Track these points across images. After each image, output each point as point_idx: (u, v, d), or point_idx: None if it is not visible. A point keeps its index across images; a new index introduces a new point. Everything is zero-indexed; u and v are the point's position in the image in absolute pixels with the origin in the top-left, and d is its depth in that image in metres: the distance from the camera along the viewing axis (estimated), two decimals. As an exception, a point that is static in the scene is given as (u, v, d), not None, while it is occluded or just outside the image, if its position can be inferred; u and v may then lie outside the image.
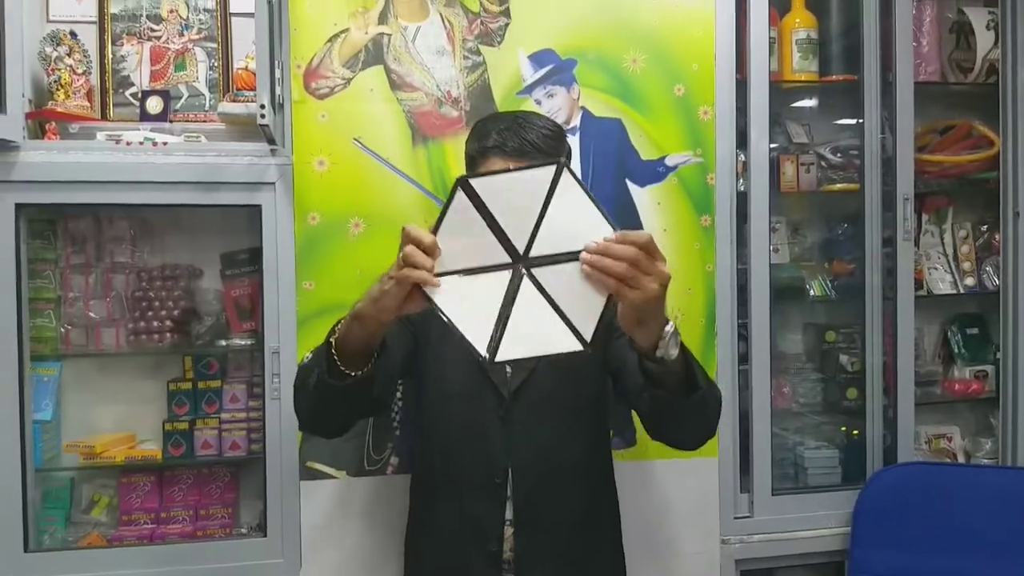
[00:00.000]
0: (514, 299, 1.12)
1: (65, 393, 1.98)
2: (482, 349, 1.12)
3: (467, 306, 1.12)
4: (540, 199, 1.09)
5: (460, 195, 1.11)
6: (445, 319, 1.12)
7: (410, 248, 1.12)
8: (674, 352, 1.20)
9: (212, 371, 2.01)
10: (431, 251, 1.12)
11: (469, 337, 1.12)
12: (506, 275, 1.12)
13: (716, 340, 2.00)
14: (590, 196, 1.10)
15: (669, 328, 1.19)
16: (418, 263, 1.11)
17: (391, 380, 1.46)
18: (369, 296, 1.20)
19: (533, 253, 1.11)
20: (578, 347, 1.12)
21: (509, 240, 1.11)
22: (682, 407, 1.27)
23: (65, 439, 1.96)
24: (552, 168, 1.10)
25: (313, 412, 1.42)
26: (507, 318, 1.12)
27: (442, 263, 1.13)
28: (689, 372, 1.24)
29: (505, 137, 1.46)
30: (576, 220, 1.10)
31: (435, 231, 1.13)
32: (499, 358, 1.13)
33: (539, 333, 1.12)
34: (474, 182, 1.11)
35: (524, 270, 1.12)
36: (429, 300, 1.13)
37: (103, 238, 1.99)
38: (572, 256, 1.10)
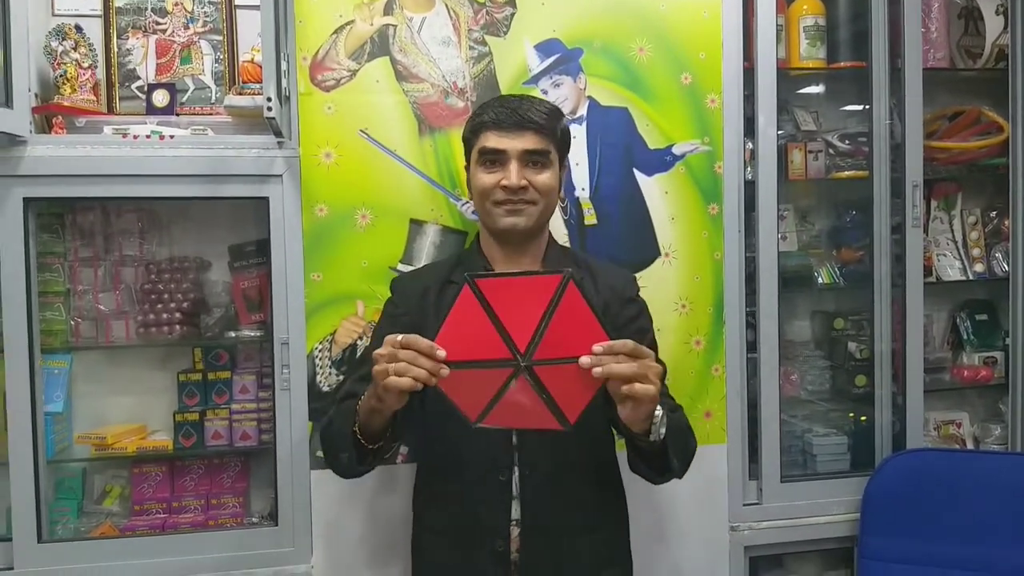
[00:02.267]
0: (507, 387, 1.20)
1: (76, 385, 2.00)
2: (472, 416, 1.23)
3: (464, 389, 1.22)
4: (544, 304, 1.16)
5: (466, 293, 1.17)
6: (439, 391, 1.21)
7: (411, 354, 1.19)
8: (663, 432, 1.32)
9: (222, 362, 2.02)
10: (432, 355, 1.19)
11: (462, 408, 1.23)
12: (506, 372, 1.19)
13: (724, 328, 2.00)
14: (592, 306, 1.18)
15: (658, 413, 1.30)
16: (423, 366, 1.19)
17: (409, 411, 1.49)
18: (376, 398, 1.29)
19: (536, 357, 1.18)
20: (559, 428, 1.22)
21: (511, 340, 1.18)
22: (656, 478, 1.46)
23: (76, 430, 1.97)
24: (558, 277, 1.16)
25: (351, 475, 1.52)
26: (498, 400, 1.21)
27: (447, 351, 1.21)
28: (665, 456, 1.36)
29: (498, 112, 1.49)
30: (576, 329, 1.18)
31: (442, 321, 1.20)
32: (483, 424, 1.23)
33: (524, 412, 1.22)
34: (481, 283, 1.17)
35: (524, 369, 1.19)
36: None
37: (111, 231, 2.00)
38: (571, 360, 1.18)
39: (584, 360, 1.17)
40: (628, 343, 1.20)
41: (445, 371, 1.18)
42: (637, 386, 1.20)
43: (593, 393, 1.20)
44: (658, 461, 1.38)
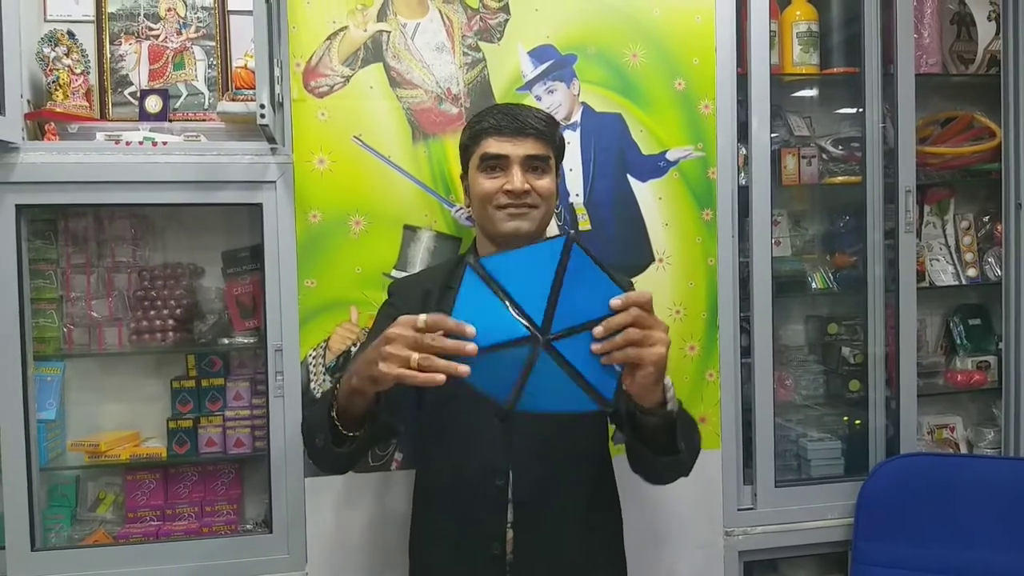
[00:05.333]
0: (532, 369, 1.11)
1: (69, 392, 1.99)
2: (502, 399, 1.12)
3: (486, 371, 1.10)
4: (551, 272, 1.09)
5: (472, 276, 1.10)
6: (468, 384, 1.10)
7: (432, 337, 1.09)
8: (677, 401, 1.28)
9: (215, 369, 2.02)
10: (459, 333, 1.09)
11: (489, 392, 1.11)
12: (526, 350, 1.10)
13: (718, 333, 2.00)
14: (599, 264, 1.12)
15: (667, 381, 1.24)
16: (448, 348, 1.08)
17: (402, 407, 1.44)
18: (370, 378, 1.18)
19: (553, 330, 1.10)
20: (596, 407, 1.13)
21: (525, 312, 1.10)
22: (659, 466, 1.37)
23: (70, 438, 1.96)
24: (561, 241, 1.10)
25: (329, 467, 1.47)
26: (526, 379, 1.11)
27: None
28: (672, 435, 1.30)
29: (498, 119, 1.50)
30: (590, 291, 1.11)
31: (451, 311, 1.11)
32: (518, 408, 1.12)
33: (557, 394, 1.13)
34: (484, 262, 1.11)
35: (544, 345, 1.11)
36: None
37: (104, 237, 1.99)
38: (589, 325, 1.11)
39: (597, 331, 1.10)
40: (646, 294, 1.14)
41: (472, 347, 1.07)
42: (644, 352, 1.12)
43: (623, 361, 1.13)
44: (665, 446, 1.31)
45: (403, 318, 1.12)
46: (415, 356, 1.09)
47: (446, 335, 1.09)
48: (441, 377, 1.07)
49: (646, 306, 1.13)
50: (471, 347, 1.07)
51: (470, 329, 1.08)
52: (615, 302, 1.11)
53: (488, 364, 1.09)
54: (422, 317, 1.10)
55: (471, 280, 1.10)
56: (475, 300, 1.10)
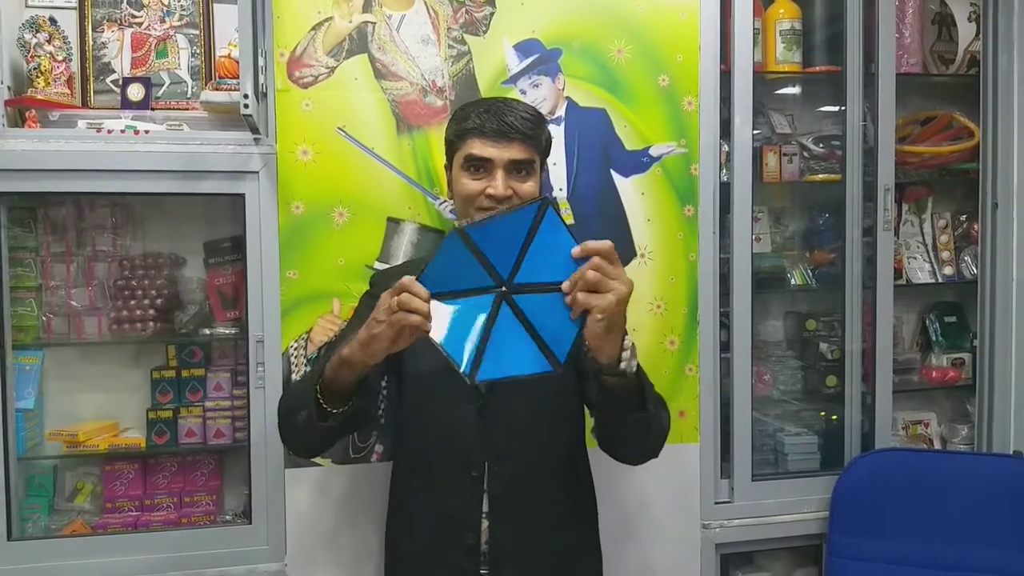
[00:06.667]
0: (495, 322, 1.20)
1: (47, 382, 1.98)
2: (465, 368, 1.20)
3: (453, 330, 1.20)
4: (524, 232, 1.17)
5: (455, 238, 1.18)
6: (434, 343, 1.19)
7: (406, 296, 1.18)
8: (635, 364, 1.27)
9: (196, 359, 2.01)
10: (424, 300, 1.18)
11: (454, 357, 1.19)
12: (489, 299, 1.20)
13: (699, 328, 2.02)
14: (570, 231, 1.18)
15: (628, 342, 1.26)
16: (415, 308, 1.18)
17: (375, 394, 1.46)
18: (358, 341, 1.25)
19: (517, 281, 1.19)
20: (550, 369, 1.20)
21: (495, 269, 1.19)
22: (628, 427, 1.36)
23: (48, 427, 1.95)
24: (536, 204, 1.17)
25: (303, 446, 1.49)
26: (487, 340, 1.20)
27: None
28: (641, 394, 1.31)
29: (484, 119, 1.48)
30: (556, 252, 1.17)
31: (427, 267, 1.20)
32: (479, 378, 1.21)
33: (516, 355, 1.20)
34: (470, 230, 1.18)
35: (507, 295, 1.19)
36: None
37: (84, 226, 1.98)
38: (552, 287, 1.18)
39: (565, 285, 1.16)
40: (606, 243, 1.16)
41: (428, 325, 1.18)
42: (594, 298, 1.14)
43: (577, 328, 1.18)
44: (633, 411, 1.32)
45: (385, 294, 1.22)
46: (395, 304, 1.18)
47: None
48: (416, 318, 1.17)
49: (607, 255, 1.16)
50: (427, 326, 1.18)
51: (423, 291, 1.18)
52: (575, 250, 1.16)
53: (456, 320, 1.19)
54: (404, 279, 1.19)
55: (452, 241, 1.19)
56: (452, 258, 1.19)
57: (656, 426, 1.39)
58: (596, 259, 1.15)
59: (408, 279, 1.19)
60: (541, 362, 1.20)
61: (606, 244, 1.16)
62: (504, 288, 1.19)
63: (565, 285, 1.16)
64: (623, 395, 1.30)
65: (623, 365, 1.25)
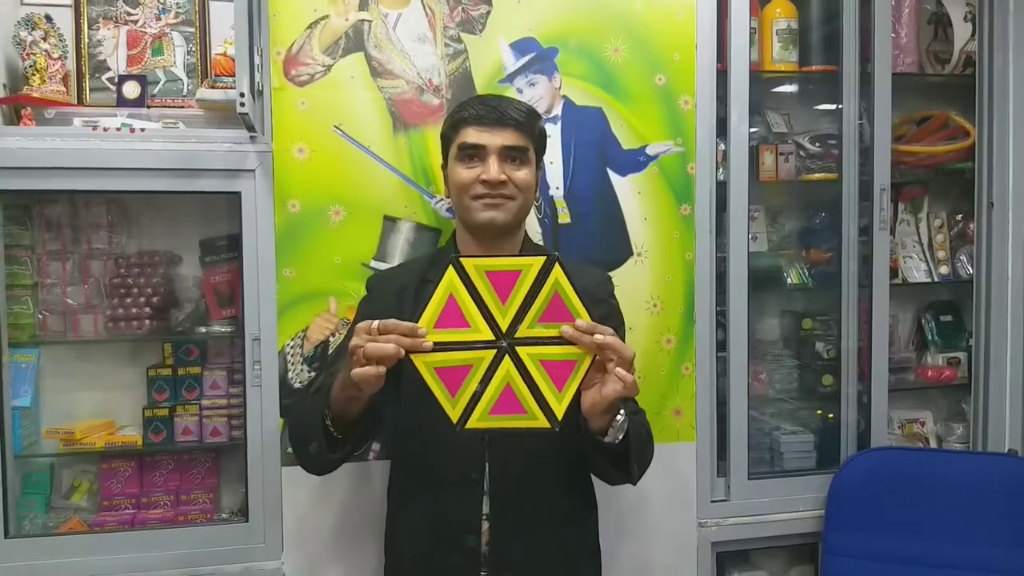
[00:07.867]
0: (493, 374, 1.21)
1: (44, 379, 1.97)
2: (454, 416, 1.22)
3: (447, 379, 1.21)
4: (528, 285, 1.19)
5: (451, 274, 1.19)
6: (426, 385, 1.21)
7: (371, 347, 1.21)
8: (620, 437, 1.34)
9: (192, 357, 2.01)
10: (413, 335, 1.21)
11: (445, 404, 1.21)
12: (489, 353, 1.21)
13: (695, 327, 2.02)
14: (575, 289, 1.19)
15: (619, 419, 1.32)
16: (382, 355, 1.21)
17: (381, 408, 1.47)
18: (341, 382, 1.30)
19: (517, 335, 1.20)
20: (546, 425, 1.22)
21: (493, 319, 1.19)
22: (610, 471, 1.45)
23: (44, 425, 1.95)
24: (543, 258, 1.18)
25: (316, 469, 1.53)
26: (482, 393, 1.21)
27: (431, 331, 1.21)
28: (626, 457, 1.38)
29: (480, 110, 1.51)
30: (561, 312, 1.19)
31: (426, 305, 1.21)
32: (468, 426, 1.22)
33: (510, 409, 1.22)
34: (467, 262, 1.19)
35: (507, 348, 1.20)
36: (413, 366, 1.21)
37: (80, 224, 1.97)
38: (553, 341, 1.19)
39: (566, 329, 1.18)
40: (609, 329, 1.23)
41: (428, 344, 1.18)
42: (618, 369, 1.22)
43: (578, 383, 1.20)
44: (618, 462, 1.40)
45: (359, 326, 1.24)
46: (367, 347, 1.20)
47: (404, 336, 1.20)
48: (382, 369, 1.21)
49: (613, 342, 1.22)
50: (427, 344, 1.19)
51: (422, 331, 1.19)
52: (580, 324, 1.20)
53: (450, 364, 1.20)
54: (375, 323, 1.22)
55: (450, 278, 1.18)
56: (450, 298, 1.19)
57: (637, 471, 1.43)
58: (611, 339, 1.21)
59: (393, 323, 1.21)
60: (534, 417, 1.22)
61: (609, 331, 1.22)
62: (504, 343, 1.20)
63: (566, 329, 1.18)
64: (607, 450, 1.36)
65: (607, 439, 1.33)
